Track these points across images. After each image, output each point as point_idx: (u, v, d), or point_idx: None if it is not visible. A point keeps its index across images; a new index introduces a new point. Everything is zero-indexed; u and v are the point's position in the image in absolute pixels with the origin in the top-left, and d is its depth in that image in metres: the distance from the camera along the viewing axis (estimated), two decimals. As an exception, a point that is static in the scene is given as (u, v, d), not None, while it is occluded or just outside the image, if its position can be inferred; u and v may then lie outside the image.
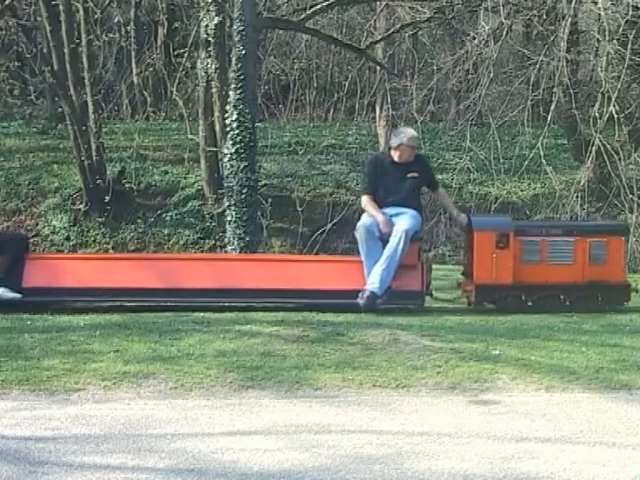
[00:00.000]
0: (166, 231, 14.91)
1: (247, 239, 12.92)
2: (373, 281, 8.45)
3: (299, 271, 8.92)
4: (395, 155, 8.86)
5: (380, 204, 8.74)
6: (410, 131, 9.14)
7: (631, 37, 12.41)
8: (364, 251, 8.61)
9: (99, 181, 14.78)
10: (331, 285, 8.61)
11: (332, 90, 21.20)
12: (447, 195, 10.12)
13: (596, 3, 12.57)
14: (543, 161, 13.01)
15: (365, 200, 8.83)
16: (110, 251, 14.55)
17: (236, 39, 12.55)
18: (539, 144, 12.86)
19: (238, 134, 12.56)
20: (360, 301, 8.37)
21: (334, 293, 8.54)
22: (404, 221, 8.58)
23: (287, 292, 8.58)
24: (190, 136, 15.56)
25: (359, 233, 8.67)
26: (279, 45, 22.08)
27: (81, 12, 15.21)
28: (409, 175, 8.81)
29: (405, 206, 8.70)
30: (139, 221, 15.12)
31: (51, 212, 15.34)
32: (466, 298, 8.93)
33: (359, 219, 8.86)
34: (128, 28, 20.49)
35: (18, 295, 8.27)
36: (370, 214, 8.71)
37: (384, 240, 8.55)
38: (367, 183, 9.08)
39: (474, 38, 14.19)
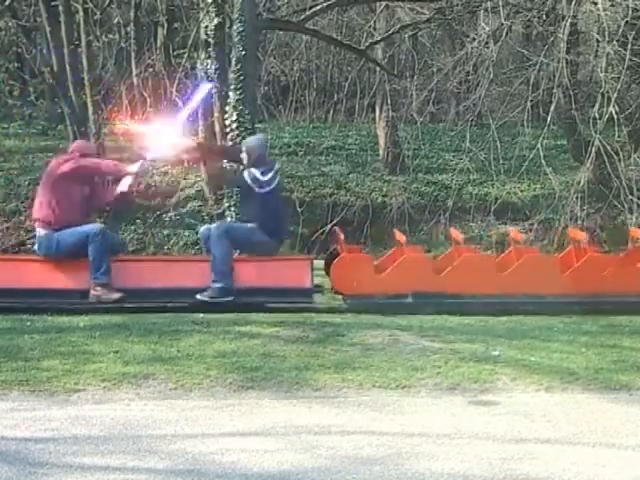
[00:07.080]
0: (166, 232, 14.88)
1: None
2: None
3: None
4: None
5: None
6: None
7: (630, 38, 12.40)
8: None
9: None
10: None
11: (332, 91, 21.18)
12: None
13: (596, 4, 12.57)
14: (543, 162, 12.98)
15: None
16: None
17: (236, 40, 12.55)
18: (539, 145, 12.83)
19: (238, 135, 12.55)
20: None
21: None
22: None
23: None
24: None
25: None
26: (279, 46, 22.05)
27: (81, 13, 15.20)
28: None
29: None
30: (138, 222, 15.10)
31: (51, 213, 15.30)
32: None
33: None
34: (128, 29, 20.42)
35: None
36: None
37: None
38: None
39: (474, 39, 14.19)
